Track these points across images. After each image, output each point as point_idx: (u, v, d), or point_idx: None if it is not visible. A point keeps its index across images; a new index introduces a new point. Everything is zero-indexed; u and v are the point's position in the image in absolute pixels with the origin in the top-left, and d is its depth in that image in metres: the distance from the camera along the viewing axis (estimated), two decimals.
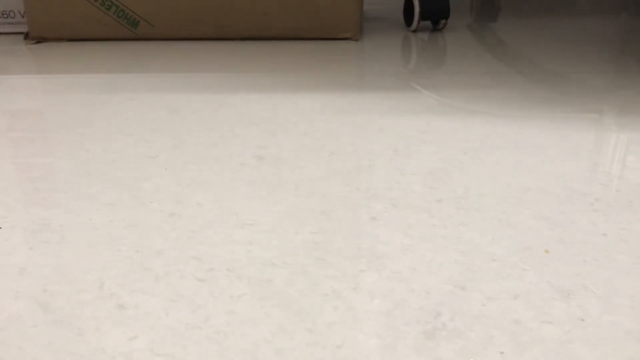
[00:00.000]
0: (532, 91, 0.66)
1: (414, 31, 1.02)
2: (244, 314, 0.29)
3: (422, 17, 1.00)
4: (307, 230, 0.36)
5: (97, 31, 0.87)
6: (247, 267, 0.33)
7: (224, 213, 0.39)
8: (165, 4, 0.86)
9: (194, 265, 0.33)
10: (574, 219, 0.38)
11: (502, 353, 0.26)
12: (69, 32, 0.88)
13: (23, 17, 0.95)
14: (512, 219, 0.38)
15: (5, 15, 0.96)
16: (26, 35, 0.93)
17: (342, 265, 0.33)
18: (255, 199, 0.41)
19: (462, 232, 0.36)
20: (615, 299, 0.30)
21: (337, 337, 0.27)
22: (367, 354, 0.26)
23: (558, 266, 0.33)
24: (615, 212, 0.39)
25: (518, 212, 0.39)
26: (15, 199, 0.42)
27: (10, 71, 0.75)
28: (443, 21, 1.02)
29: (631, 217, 0.38)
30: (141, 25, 0.86)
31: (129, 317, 0.29)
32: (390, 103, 0.62)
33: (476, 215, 0.38)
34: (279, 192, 0.42)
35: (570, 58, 0.83)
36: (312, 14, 0.91)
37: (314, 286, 0.31)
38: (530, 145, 0.50)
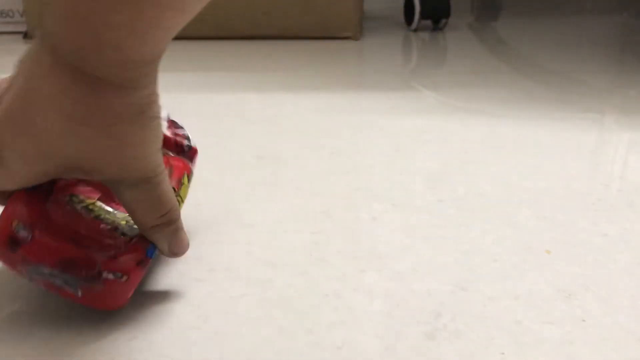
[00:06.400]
0: (533, 91, 0.66)
1: (415, 30, 1.02)
2: (244, 314, 0.29)
3: (423, 16, 1.00)
4: (307, 230, 0.36)
5: None
6: (247, 267, 0.33)
7: (224, 213, 0.39)
8: None
9: (194, 265, 0.33)
10: (575, 219, 0.38)
11: (502, 354, 0.26)
12: None
13: (22, 16, 0.95)
14: (512, 219, 0.38)
15: (4, 15, 0.96)
16: (25, 35, 0.93)
17: (342, 265, 0.33)
18: (255, 199, 0.40)
19: (463, 232, 0.36)
20: (616, 300, 0.30)
21: (337, 338, 0.27)
22: (368, 354, 0.26)
23: (559, 267, 0.32)
24: (617, 212, 0.39)
25: (519, 213, 0.38)
26: None
27: (9, 71, 0.75)
28: (444, 20, 1.02)
29: (632, 217, 0.38)
30: None
31: (128, 318, 0.29)
32: (390, 103, 0.62)
33: (477, 216, 0.38)
34: (279, 192, 0.42)
35: (570, 58, 0.83)
36: (312, 13, 0.91)
37: (314, 286, 0.31)
38: (530, 145, 0.50)
